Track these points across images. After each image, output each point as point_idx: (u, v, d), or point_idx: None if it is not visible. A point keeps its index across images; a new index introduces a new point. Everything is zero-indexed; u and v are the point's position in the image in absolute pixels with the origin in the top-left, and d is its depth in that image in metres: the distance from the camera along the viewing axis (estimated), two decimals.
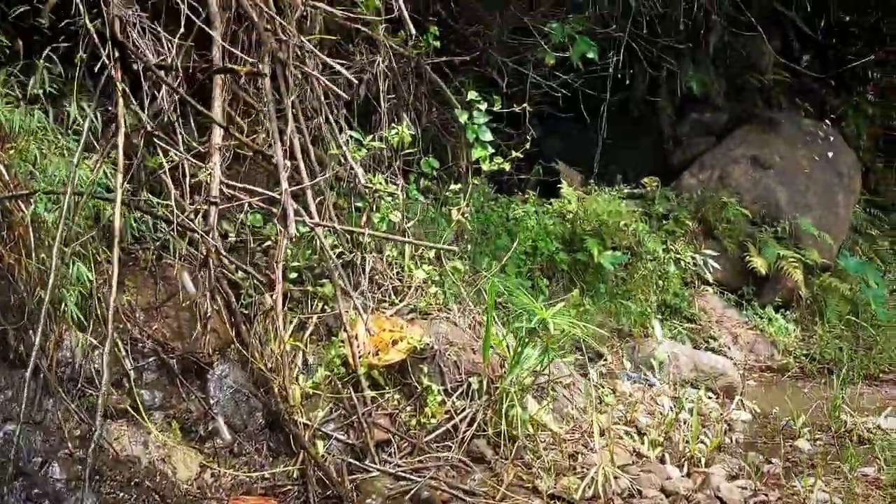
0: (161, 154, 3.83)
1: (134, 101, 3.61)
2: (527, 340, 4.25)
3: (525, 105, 5.05)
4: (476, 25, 6.12)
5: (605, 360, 5.89)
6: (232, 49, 3.78)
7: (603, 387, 5.28)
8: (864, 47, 9.41)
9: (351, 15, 4.04)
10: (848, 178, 8.77)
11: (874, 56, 8.98)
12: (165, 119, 3.71)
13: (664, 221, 8.14)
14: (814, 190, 8.42)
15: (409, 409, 4.07)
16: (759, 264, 7.90)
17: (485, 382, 4.19)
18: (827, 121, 9.30)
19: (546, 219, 7.08)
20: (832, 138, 8.82)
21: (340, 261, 4.57)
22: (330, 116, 4.41)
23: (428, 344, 4.21)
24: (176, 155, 3.78)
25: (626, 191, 8.36)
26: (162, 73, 3.34)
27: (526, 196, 7.55)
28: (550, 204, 7.46)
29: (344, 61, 5.01)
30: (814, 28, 8.51)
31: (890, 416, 5.70)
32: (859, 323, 7.93)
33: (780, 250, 8.02)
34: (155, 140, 3.66)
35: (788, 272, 7.90)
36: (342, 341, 4.10)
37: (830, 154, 8.67)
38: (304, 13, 4.21)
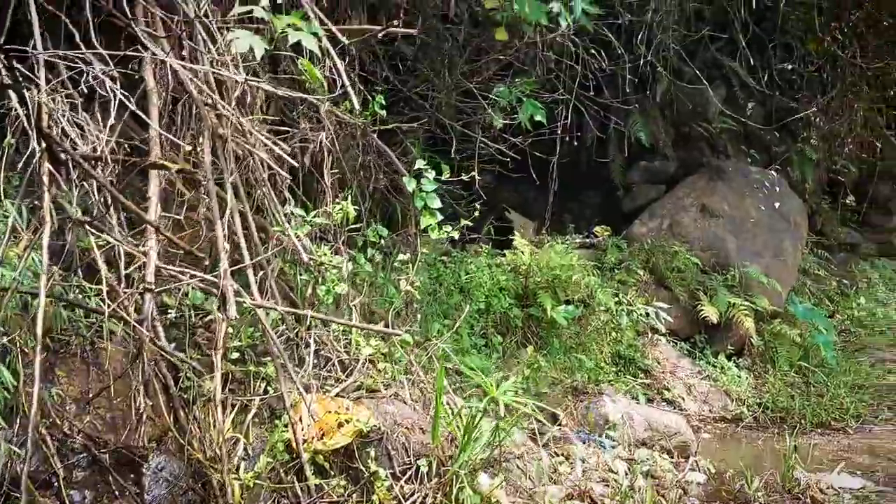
0: (93, 238, 3.68)
1: (64, 187, 3.48)
2: (478, 419, 4.16)
3: (474, 173, 5.00)
4: (424, 85, 6.10)
5: (560, 422, 5.82)
6: (167, 134, 3.66)
7: (557, 454, 5.20)
8: (807, 95, 9.66)
9: (292, 94, 3.96)
10: (795, 225, 8.93)
11: (816, 107, 9.20)
12: (96, 209, 3.57)
13: (616, 271, 8.17)
14: (762, 238, 8.54)
15: (355, 496, 3.93)
16: (711, 312, 7.95)
17: (434, 464, 4.08)
18: (774, 168, 9.50)
19: (499, 273, 7.04)
20: (779, 187, 8.98)
21: (284, 337, 4.45)
22: (272, 191, 4.31)
23: (375, 425, 4.09)
24: (109, 238, 3.63)
25: (578, 240, 8.40)
26: (91, 164, 3.21)
27: (479, 249, 7.51)
28: (504, 255, 7.44)
29: (288, 128, 4.95)
30: (758, 78, 8.69)
31: (843, 471, 5.73)
32: (810, 369, 8.02)
33: (731, 298, 8.09)
34: (86, 227, 3.52)
35: (739, 320, 7.97)
36: (285, 425, 3.97)
37: (778, 202, 8.82)
38: (245, 89, 4.12)
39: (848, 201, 11.59)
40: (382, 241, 4.97)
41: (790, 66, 9.36)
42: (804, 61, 9.15)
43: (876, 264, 12.34)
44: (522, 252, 7.39)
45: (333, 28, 3.90)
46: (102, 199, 3.51)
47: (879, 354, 9.25)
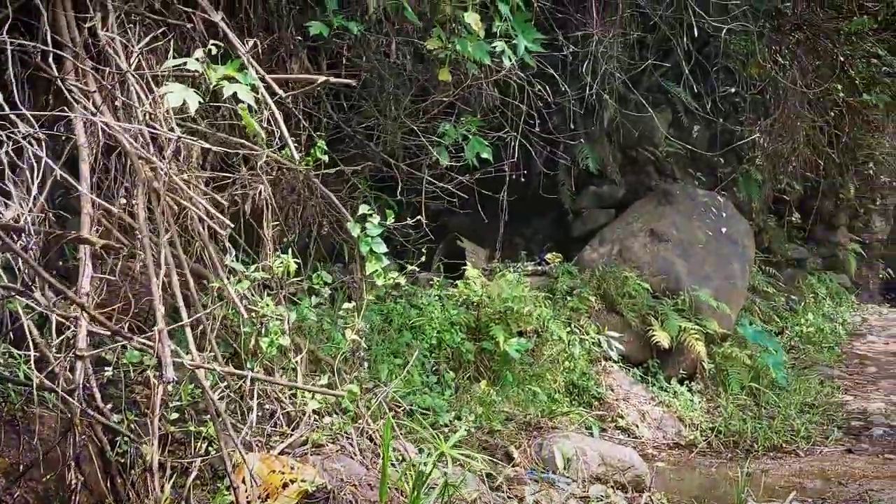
0: (19, 304, 3.54)
1: None
2: (428, 472, 4.09)
3: (419, 217, 4.95)
4: (370, 121, 6.05)
5: (513, 461, 5.76)
6: (98, 199, 3.54)
7: (510, 497, 5.15)
8: (750, 117, 9.84)
9: (229, 149, 3.87)
10: (742, 246, 9.05)
11: (760, 129, 9.37)
12: (21, 277, 3.43)
13: (568, 298, 8.17)
14: (710, 261, 8.64)
15: None
16: (662, 337, 7.99)
17: None
18: (720, 191, 9.64)
19: (450, 307, 6.98)
20: (725, 210, 9.11)
21: (227, 392, 4.34)
22: (210, 242, 4.20)
23: (322, 484, 4.00)
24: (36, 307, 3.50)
25: (529, 268, 8.41)
26: (11, 235, 3.08)
27: (431, 282, 7.45)
28: (455, 286, 7.38)
29: (228, 175, 4.84)
30: (702, 103, 8.80)
31: (795, 500, 5.78)
32: (761, 390, 8.12)
33: (682, 322, 8.14)
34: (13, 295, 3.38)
35: (691, 344, 8.02)
36: (227, 488, 3.85)
37: (724, 226, 8.93)
38: (180, 145, 4.02)
39: (794, 218, 11.86)
40: (327, 289, 4.87)
41: (733, 90, 9.52)
42: (747, 85, 9.30)
43: (822, 278, 12.64)
44: (474, 283, 7.35)
45: (270, 80, 3.82)
46: (27, 268, 3.37)
47: (827, 371, 9.44)
